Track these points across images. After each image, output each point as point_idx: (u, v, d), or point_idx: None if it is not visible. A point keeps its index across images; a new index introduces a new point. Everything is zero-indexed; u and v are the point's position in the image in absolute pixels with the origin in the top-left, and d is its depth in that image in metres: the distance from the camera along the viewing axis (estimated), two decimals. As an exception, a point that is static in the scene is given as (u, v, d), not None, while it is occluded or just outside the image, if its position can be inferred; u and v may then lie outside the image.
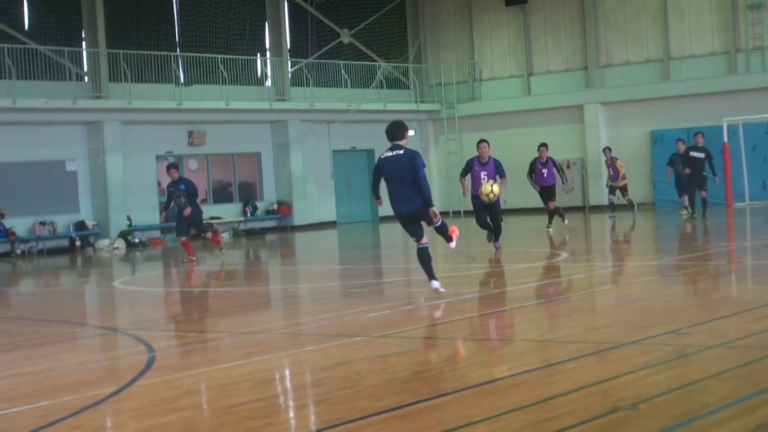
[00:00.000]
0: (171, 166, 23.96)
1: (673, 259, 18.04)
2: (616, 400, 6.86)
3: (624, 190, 31.61)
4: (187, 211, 23.12)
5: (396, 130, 13.39)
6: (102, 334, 12.47)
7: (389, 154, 13.30)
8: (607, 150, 32.48)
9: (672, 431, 6.01)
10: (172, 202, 23.53)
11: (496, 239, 20.64)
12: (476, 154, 20.29)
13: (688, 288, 13.77)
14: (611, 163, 31.57)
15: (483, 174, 20.13)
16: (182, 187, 23.34)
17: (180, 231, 23.72)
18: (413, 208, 13.18)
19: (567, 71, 39.83)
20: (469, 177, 20.40)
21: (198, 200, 24.10)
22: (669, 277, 15.07)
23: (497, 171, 20.23)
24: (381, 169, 13.40)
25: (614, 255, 20.49)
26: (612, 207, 31.77)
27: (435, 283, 13.30)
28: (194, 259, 23.41)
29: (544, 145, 25.68)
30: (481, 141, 20.43)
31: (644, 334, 9.41)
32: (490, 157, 20.25)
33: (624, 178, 31.55)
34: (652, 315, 10.86)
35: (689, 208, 28.13)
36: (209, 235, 24.33)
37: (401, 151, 13.26)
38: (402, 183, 13.15)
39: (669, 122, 36.39)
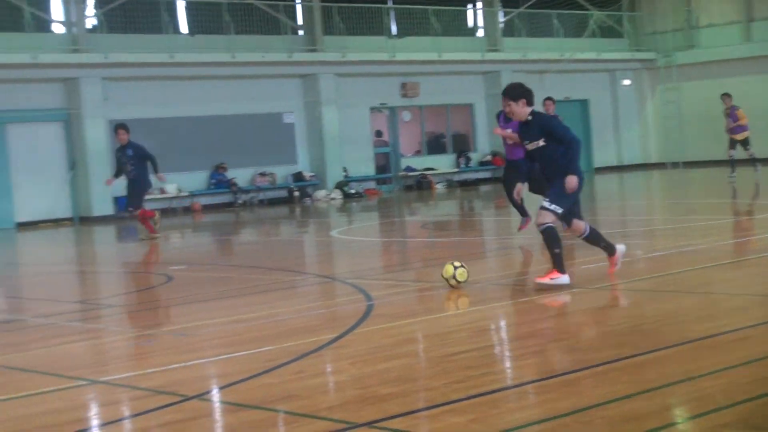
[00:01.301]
0: (119, 126, 20.07)
1: None
2: None
3: (746, 143, 27.62)
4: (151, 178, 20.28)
5: None
6: (321, 283, 12.77)
7: None
8: (726, 97, 27.95)
9: None
10: (121, 171, 20.12)
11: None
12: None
13: None
14: (731, 111, 27.59)
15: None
16: (129, 152, 19.78)
17: (131, 203, 20.25)
18: None
19: (791, 15, 38.15)
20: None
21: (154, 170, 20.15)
22: None
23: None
24: None
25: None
26: (732, 164, 27.81)
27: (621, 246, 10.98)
28: (156, 236, 20.25)
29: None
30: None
31: None
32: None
33: (745, 129, 27.66)
34: None
35: None
36: (138, 213, 20.10)
37: None
38: None
39: None
